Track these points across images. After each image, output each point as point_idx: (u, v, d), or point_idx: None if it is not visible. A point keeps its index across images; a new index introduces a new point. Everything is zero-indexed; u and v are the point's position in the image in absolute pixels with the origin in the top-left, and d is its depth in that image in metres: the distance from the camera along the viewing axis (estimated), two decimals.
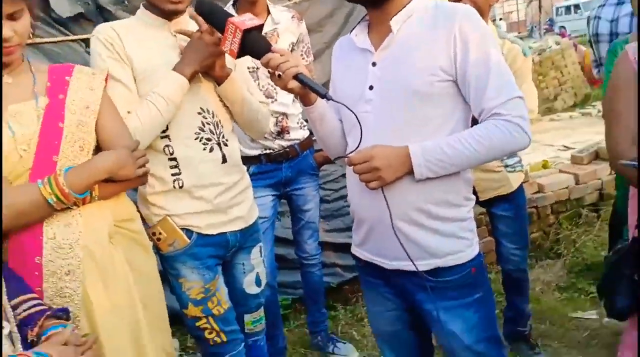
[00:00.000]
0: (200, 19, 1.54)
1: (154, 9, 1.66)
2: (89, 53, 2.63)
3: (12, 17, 1.23)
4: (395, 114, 1.38)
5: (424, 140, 1.35)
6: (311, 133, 2.65)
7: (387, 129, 1.39)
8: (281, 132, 2.47)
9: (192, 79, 1.62)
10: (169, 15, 1.65)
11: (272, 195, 2.53)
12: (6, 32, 1.22)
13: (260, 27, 1.41)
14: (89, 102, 1.40)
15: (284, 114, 2.47)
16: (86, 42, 2.75)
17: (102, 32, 1.62)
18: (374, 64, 1.40)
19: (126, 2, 2.74)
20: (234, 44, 1.37)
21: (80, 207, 1.33)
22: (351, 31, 1.47)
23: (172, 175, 1.66)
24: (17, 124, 1.29)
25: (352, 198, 1.49)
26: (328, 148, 1.60)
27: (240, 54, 1.40)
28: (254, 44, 1.37)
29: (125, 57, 1.59)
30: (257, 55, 1.37)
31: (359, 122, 1.33)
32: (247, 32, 1.36)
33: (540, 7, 23.21)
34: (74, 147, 1.35)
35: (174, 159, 1.66)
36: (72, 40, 2.71)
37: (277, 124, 2.45)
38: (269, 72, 1.39)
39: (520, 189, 2.42)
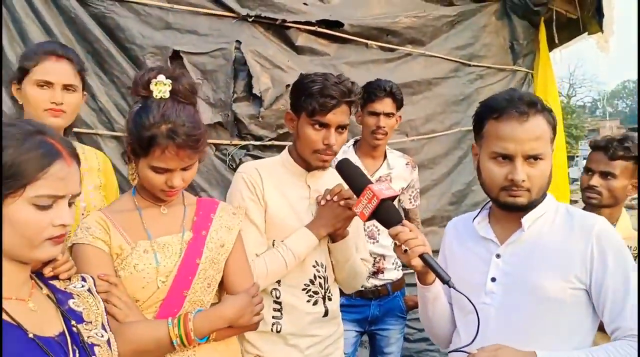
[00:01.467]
0: (346, 190, 1.62)
1: (297, 158, 1.74)
2: (217, 157, 2.99)
3: (185, 168, 1.35)
4: (520, 314, 1.32)
5: (547, 347, 1.27)
6: (404, 274, 2.62)
7: (508, 327, 1.33)
8: (376, 272, 2.47)
9: (322, 239, 1.68)
10: (310, 167, 1.73)
11: (356, 331, 2.48)
12: (177, 181, 1.33)
13: (395, 197, 1.46)
14: (224, 241, 1.45)
15: (382, 256, 2.47)
16: (217, 146, 3.03)
17: (246, 172, 1.72)
18: (498, 256, 1.38)
19: (260, 118, 2.98)
20: (367, 209, 1.41)
21: (195, 347, 1.36)
22: (473, 219, 1.47)
23: (273, 317, 1.68)
24: (162, 255, 1.36)
25: None
26: (434, 331, 1.54)
27: (370, 218, 1.44)
28: (387, 214, 1.41)
29: (263, 201, 1.68)
30: (387, 225, 1.40)
31: (478, 316, 1.28)
32: (382, 201, 1.41)
33: None
34: (203, 284, 1.40)
35: (279, 303, 1.68)
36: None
37: (374, 265, 2.45)
38: (394, 243, 1.41)
39: None
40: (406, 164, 2.57)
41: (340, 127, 1.66)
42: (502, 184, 1.33)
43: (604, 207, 2.08)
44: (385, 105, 2.39)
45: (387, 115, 2.39)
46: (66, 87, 1.70)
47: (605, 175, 2.10)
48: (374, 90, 2.40)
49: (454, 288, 1.31)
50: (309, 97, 1.62)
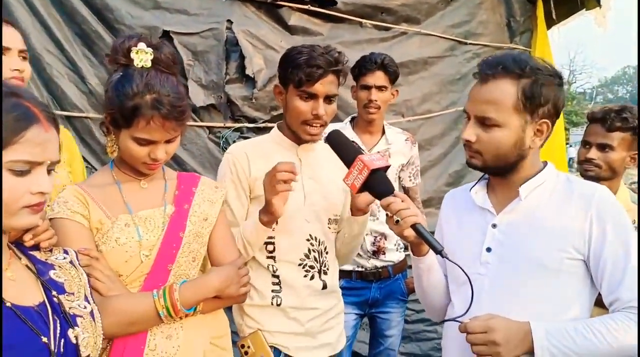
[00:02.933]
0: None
1: (288, 133, 1.73)
2: (210, 140, 2.95)
3: (168, 141, 1.31)
4: (514, 284, 1.30)
5: (542, 318, 1.25)
6: (406, 256, 2.59)
7: (502, 297, 1.31)
8: (377, 252, 2.42)
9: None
10: (301, 141, 1.71)
11: (356, 314, 2.45)
12: (160, 154, 1.29)
13: (387, 167, 1.42)
14: (208, 214, 1.43)
15: (383, 235, 2.43)
16: (210, 128, 2.99)
17: (232, 153, 1.71)
18: (494, 226, 1.36)
19: (253, 99, 2.94)
20: (358, 180, 1.38)
21: (182, 319, 1.33)
22: (470, 188, 1.44)
23: (272, 291, 1.66)
24: (145, 229, 1.32)
25: None
26: (428, 302, 1.52)
27: (361, 189, 1.41)
28: (378, 184, 1.38)
29: (247, 182, 1.66)
30: (379, 196, 1.38)
31: (472, 286, 1.27)
32: (373, 172, 1.38)
33: None
34: (188, 258, 1.37)
35: (277, 277, 1.67)
36: (199, 126, 2.93)
37: (374, 243, 2.41)
38: (386, 214, 1.38)
39: None
40: (405, 140, 2.52)
41: (329, 98, 1.64)
42: (462, 142, 1.35)
43: (602, 180, 2.05)
44: (376, 78, 2.34)
45: (380, 88, 2.34)
46: (21, 54, 1.67)
47: (602, 147, 2.06)
48: (365, 64, 2.36)
49: (447, 258, 1.30)
50: (296, 68, 1.60)
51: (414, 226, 1.30)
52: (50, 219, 1.24)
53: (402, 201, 1.33)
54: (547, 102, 1.28)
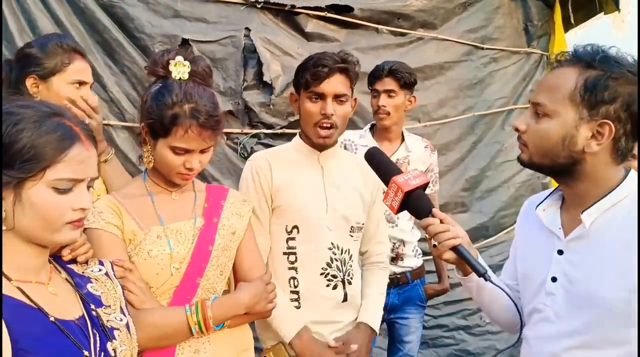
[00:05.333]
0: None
1: (306, 139, 1.74)
2: (228, 146, 2.97)
3: (202, 151, 1.33)
4: (579, 324, 1.15)
5: None
6: (424, 262, 2.59)
7: (565, 335, 1.18)
8: (395, 258, 2.43)
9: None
10: (320, 146, 1.72)
11: None
12: (195, 163, 1.32)
13: (426, 185, 1.33)
14: (235, 228, 1.45)
15: (402, 241, 2.43)
16: (228, 135, 3.01)
17: (255, 161, 1.72)
18: (560, 252, 1.20)
19: (271, 106, 2.96)
20: (395, 202, 1.32)
21: (207, 334, 1.34)
22: (539, 204, 1.27)
23: (293, 307, 1.67)
24: (175, 241, 1.34)
25: None
26: (494, 318, 1.42)
27: (400, 209, 1.34)
28: (415, 205, 1.31)
29: (270, 191, 1.67)
30: (417, 215, 1.32)
31: (521, 318, 1.21)
32: (408, 193, 1.30)
33: None
34: (216, 271, 1.39)
35: (296, 292, 1.67)
36: None
37: (392, 250, 2.41)
38: (426, 236, 1.31)
39: None
40: (425, 147, 2.53)
41: (338, 98, 1.64)
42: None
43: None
44: (385, 83, 2.35)
45: (388, 94, 2.35)
46: (90, 86, 1.73)
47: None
48: (374, 72, 2.41)
49: (491, 282, 1.21)
50: (304, 71, 1.64)
51: (455, 248, 1.21)
52: (85, 229, 1.26)
53: (442, 221, 1.23)
54: (613, 99, 1.07)
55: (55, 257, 1.09)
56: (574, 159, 1.13)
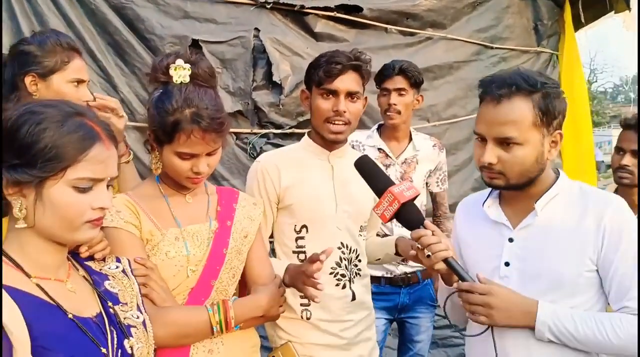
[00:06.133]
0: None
1: (316, 138, 1.73)
2: (238, 146, 2.98)
3: (209, 154, 1.30)
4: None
5: None
6: None
7: None
8: (405, 258, 2.43)
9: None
10: (330, 145, 1.72)
11: (385, 319, 2.44)
12: (203, 167, 1.30)
13: (416, 196, 1.36)
14: (248, 231, 1.45)
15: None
16: (237, 135, 3.02)
17: (262, 162, 1.71)
18: (510, 240, 1.36)
19: (280, 106, 2.97)
20: (388, 212, 1.34)
21: (224, 334, 1.34)
22: (484, 203, 1.42)
23: (301, 305, 1.67)
24: (192, 244, 1.34)
25: None
26: (456, 318, 1.52)
27: (391, 219, 1.36)
28: (409, 216, 1.34)
29: (277, 192, 1.67)
30: (409, 226, 1.35)
31: None
32: (404, 203, 1.32)
33: None
34: (229, 274, 1.39)
35: None
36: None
37: None
38: (418, 247, 1.33)
39: None
40: (433, 146, 2.52)
41: (350, 95, 1.63)
42: (480, 165, 1.33)
43: (638, 186, 2.02)
44: (395, 82, 2.35)
45: (399, 92, 2.35)
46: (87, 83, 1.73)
47: (637, 154, 2.03)
48: (384, 70, 2.40)
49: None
50: (317, 68, 1.64)
51: (446, 260, 1.30)
52: (103, 228, 1.27)
53: (433, 233, 1.31)
54: (559, 113, 1.30)
55: (74, 255, 1.09)
56: (542, 169, 1.33)
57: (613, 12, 3.66)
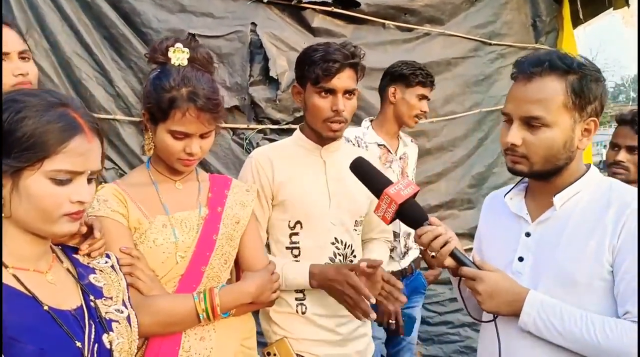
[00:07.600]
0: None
1: (309, 133, 1.71)
2: (234, 141, 2.97)
3: (202, 136, 1.33)
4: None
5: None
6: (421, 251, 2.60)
7: None
8: (406, 253, 2.44)
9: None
10: (323, 141, 1.70)
11: None
12: (195, 148, 1.31)
13: (416, 193, 1.34)
14: (239, 217, 1.45)
15: (409, 234, 2.43)
16: (234, 130, 3.01)
17: (255, 157, 1.69)
18: (527, 234, 1.30)
19: (277, 101, 2.96)
20: (388, 213, 1.31)
21: (213, 321, 1.35)
22: (506, 193, 1.38)
23: (297, 299, 1.66)
24: (180, 230, 1.35)
25: None
26: (471, 306, 1.46)
27: (394, 219, 1.34)
28: (408, 215, 1.31)
29: (271, 187, 1.65)
30: (412, 225, 1.32)
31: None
32: (402, 204, 1.30)
33: None
34: (220, 260, 1.39)
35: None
36: (223, 128, 2.95)
37: (406, 244, 2.42)
38: (420, 248, 1.34)
39: None
40: (412, 141, 2.60)
41: (348, 93, 1.62)
42: (504, 147, 1.26)
43: (631, 182, 2.01)
44: (430, 91, 2.43)
45: (427, 99, 2.43)
46: (22, 55, 1.59)
47: (632, 149, 2.02)
48: (426, 77, 2.39)
49: None
50: (312, 65, 1.60)
51: (452, 254, 1.26)
52: (89, 217, 1.26)
53: (438, 227, 1.27)
54: (595, 98, 1.21)
55: (63, 247, 1.09)
56: (570, 158, 1.24)
57: (612, 8, 3.65)
